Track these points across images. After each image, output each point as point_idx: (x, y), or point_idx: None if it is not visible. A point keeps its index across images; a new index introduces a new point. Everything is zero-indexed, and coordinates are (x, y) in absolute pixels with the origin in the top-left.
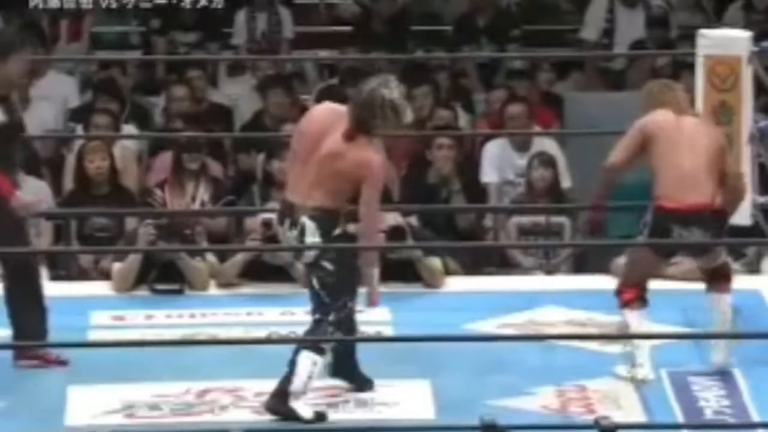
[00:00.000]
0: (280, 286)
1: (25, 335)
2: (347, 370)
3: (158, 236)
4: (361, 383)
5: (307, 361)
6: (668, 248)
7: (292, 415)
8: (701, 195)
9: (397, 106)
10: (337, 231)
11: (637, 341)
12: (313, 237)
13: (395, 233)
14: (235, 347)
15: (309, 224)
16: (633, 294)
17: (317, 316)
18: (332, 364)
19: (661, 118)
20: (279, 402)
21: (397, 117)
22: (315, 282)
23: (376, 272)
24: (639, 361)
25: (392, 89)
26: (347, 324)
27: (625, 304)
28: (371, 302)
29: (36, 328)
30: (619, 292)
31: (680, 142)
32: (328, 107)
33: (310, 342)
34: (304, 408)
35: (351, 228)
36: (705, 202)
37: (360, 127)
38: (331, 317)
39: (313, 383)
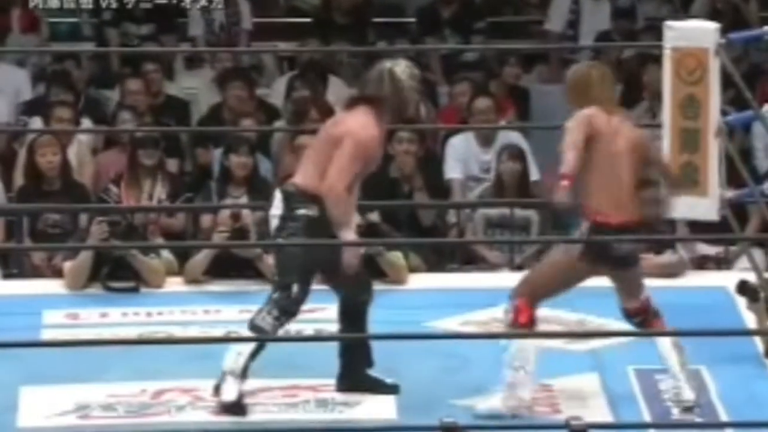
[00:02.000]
0: (246, 282)
1: None
2: (354, 377)
3: (111, 233)
4: (382, 387)
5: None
6: (609, 259)
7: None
8: (636, 208)
9: (395, 73)
10: (301, 211)
11: (523, 345)
12: (276, 210)
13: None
14: (193, 346)
15: (278, 196)
16: (530, 317)
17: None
18: (340, 376)
19: (600, 120)
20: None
21: (394, 84)
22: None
23: (350, 234)
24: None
25: (398, 63)
26: (290, 310)
27: (522, 326)
28: (346, 263)
29: None
30: (517, 309)
31: (619, 151)
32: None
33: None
34: (232, 388)
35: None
36: (639, 216)
37: (361, 96)
38: (275, 295)
39: (244, 360)
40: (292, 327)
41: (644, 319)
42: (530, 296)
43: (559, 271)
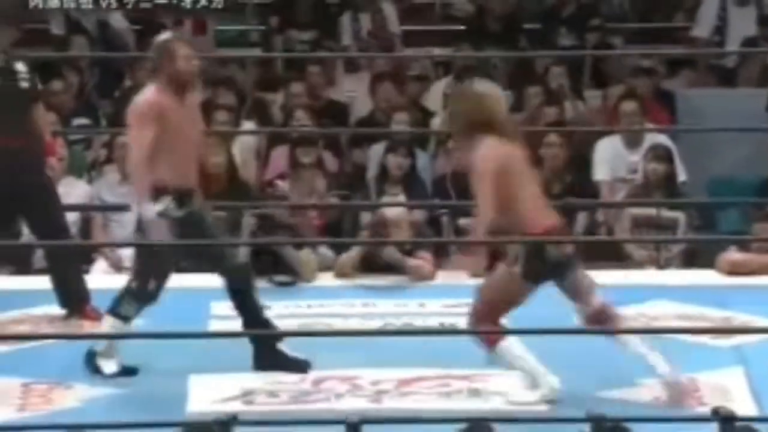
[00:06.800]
0: (393, 278)
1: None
2: (271, 360)
3: (262, 227)
4: (297, 366)
5: (108, 326)
6: (540, 274)
7: (99, 371)
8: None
9: (169, 46)
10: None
11: (519, 363)
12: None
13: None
14: (351, 337)
15: None
16: (497, 335)
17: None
18: (254, 358)
19: (501, 151)
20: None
21: (168, 55)
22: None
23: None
24: (541, 381)
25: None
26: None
27: (492, 344)
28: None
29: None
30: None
31: (523, 169)
32: None
33: None
34: (107, 364)
35: None
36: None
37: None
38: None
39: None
40: (447, 319)
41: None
42: (491, 320)
43: (506, 288)
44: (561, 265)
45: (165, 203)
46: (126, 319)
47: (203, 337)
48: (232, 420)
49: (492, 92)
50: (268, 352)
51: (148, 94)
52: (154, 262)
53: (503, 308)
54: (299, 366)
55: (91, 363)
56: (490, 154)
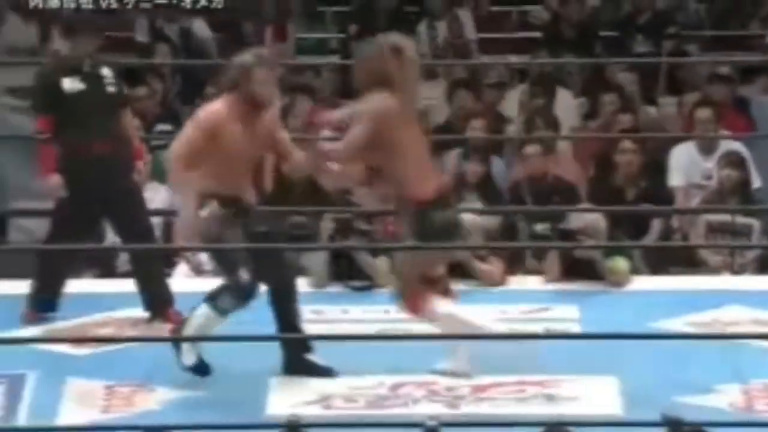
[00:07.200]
0: (464, 282)
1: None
2: (300, 366)
3: (338, 231)
4: (324, 372)
5: (202, 313)
6: (430, 237)
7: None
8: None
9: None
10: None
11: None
12: None
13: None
14: (428, 342)
15: None
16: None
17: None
18: (283, 363)
19: (390, 103)
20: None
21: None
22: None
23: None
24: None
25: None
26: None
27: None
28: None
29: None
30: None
31: (409, 129)
32: None
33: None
34: (188, 355)
35: None
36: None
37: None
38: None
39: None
40: (522, 326)
41: None
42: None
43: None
44: (450, 228)
45: (211, 207)
46: (223, 312)
47: (273, 339)
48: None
49: (406, 51)
50: (297, 359)
51: (215, 105)
52: (225, 259)
53: (422, 278)
54: (326, 373)
55: (177, 347)
56: (377, 104)
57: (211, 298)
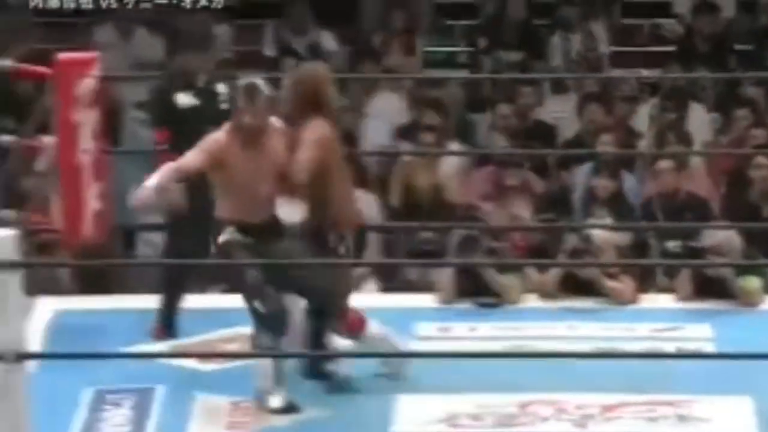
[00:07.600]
0: (593, 300)
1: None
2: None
3: (464, 248)
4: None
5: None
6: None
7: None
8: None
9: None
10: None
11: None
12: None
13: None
14: (556, 361)
15: None
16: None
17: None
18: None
19: (330, 135)
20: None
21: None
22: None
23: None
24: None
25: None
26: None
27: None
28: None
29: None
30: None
31: (340, 162)
32: None
33: None
34: (273, 399)
35: None
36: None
37: None
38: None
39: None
40: (653, 344)
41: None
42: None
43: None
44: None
45: (229, 233)
46: (270, 349)
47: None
48: None
49: (324, 75)
50: (317, 371)
51: (217, 134)
52: (243, 285)
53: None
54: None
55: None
56: (323, 135)
57: (253, 343)
